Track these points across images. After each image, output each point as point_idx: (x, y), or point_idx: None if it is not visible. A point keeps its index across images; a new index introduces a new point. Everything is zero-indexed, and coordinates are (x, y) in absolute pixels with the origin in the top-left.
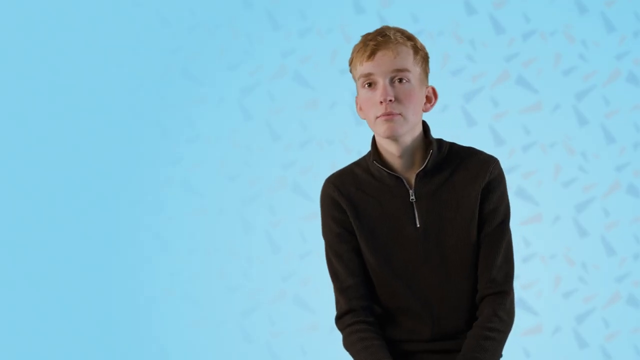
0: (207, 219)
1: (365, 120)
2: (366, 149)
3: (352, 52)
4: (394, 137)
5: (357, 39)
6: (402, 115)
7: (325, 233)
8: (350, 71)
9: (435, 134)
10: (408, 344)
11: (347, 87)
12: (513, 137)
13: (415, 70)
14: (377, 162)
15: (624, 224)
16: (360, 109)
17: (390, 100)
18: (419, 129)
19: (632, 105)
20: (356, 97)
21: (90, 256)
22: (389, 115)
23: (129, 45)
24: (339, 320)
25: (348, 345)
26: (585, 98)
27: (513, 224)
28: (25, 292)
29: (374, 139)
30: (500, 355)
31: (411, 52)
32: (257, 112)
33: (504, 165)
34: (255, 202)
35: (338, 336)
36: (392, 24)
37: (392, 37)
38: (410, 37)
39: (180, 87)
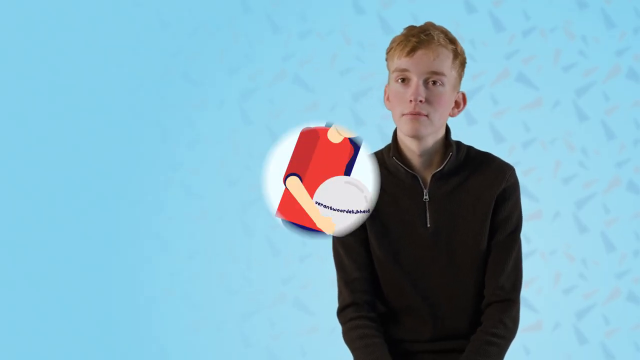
0: (207, 221)
1: (373, 115)
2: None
3: (392, 43)
4: (417, 137)
5: (357, 40)
6: (428, 117)
7: None
8: (386, 59)
9: None
10: (410, 343)
11: (347, 89)
12: (513, 134)
13: (450, 75)
14: (396, 158)
15: (624, 220)
16: (388, 99)
17: (421, 101)
18: (442, 132)
19: (632, 101)
20: (386, 86)
21: (90, 256)
22: (415, 115)
23: (129, 46)
24: (340, 312)
25: (348, 340)
26: (585, 94)
27: None
28: (25, 292)
29: (395, 134)
30: None
31: (451, 55)
32: (257, 116)
33: None
34: (255, 205)
35: (338, 338)
36: (392, 24)
37: (435, 38)
38: (452, 41)
39: (180, 89)
